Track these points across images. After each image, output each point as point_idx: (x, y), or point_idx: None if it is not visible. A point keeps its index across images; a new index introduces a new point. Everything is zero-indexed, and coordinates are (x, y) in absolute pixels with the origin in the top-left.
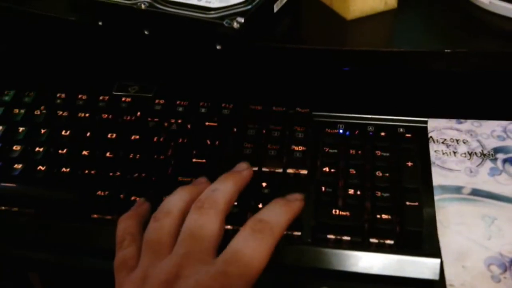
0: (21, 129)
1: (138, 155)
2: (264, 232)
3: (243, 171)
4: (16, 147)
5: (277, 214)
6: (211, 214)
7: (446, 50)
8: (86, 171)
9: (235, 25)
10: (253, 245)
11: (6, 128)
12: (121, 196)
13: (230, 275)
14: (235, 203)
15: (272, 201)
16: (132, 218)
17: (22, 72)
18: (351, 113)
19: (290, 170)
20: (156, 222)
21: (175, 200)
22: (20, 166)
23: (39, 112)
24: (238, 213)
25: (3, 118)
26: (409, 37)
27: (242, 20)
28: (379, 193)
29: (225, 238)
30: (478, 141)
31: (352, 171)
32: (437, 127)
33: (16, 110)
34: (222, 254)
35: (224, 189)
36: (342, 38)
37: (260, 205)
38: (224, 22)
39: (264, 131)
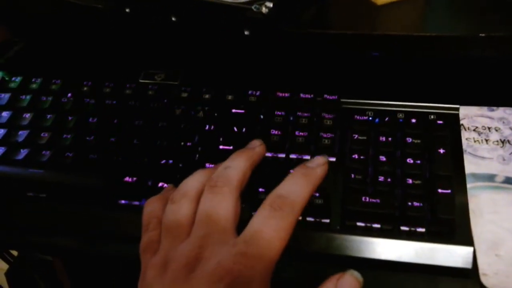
0: (48, 116)
1: (165, 142)
2: (283, 209)
3: (256, 147)
4: (44, 134)
5: (296, 188)
6: (225, 192)
7: (480, 35)
8: (114, 158)
9: (264, 9)
10: (273, 224)
11: (34, 115)
12: (149, 182)
13: (250, 256)
14: (262, 190)
15: (291, 172)
16: (158, 201)
17: (49, 60)
18: (381, 100)
19: None
20: (173, 204)
21: (192, 181)
22: (48, 152)
23: (66, 100)
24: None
25: (31, 105)
26: (442, 22)
27: (271, 5)
28: (410, 181)
29: (248, 220)
30: (511, 128)
31: (382, 158)
32: (468, 114)
33: (44, 98)
34: (242, 234)
35: (236, 166)
36: (372, 23)
37: None
38: (253, 7)
39: (291, 118)
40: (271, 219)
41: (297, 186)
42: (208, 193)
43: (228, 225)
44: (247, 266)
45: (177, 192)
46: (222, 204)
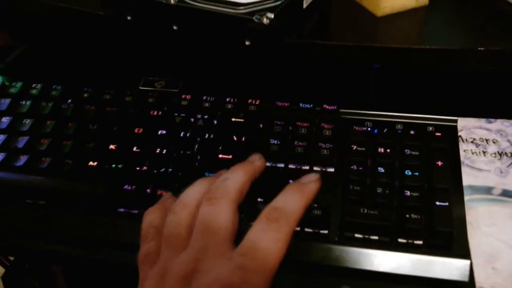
0: (48, 122)
1: (164, 150)
2: (279, 221)
3: (255, 161)
4: (43, 140)
5: (292, 201)
6: (222, 204)
7: (479, 48)
8: (113, 165)
9: (265, 20)
10: (269, 236)
11: (34, 121)
12: (148, 190)
13: (248, 269)
14: (260, 200)
15: (286, 186)
16: (157, 211)
17: (50, 66)
18: (380, 111)
19: (316, 168)
20: (174, 215)
21: (193, 193)
22: (47, 159)
23: (66, 106)
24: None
25: (31, 111)
26: (441, 35)
27: (272, 16)
28: (408, 192)
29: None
30: (508, 141)
31: (381, 169)
32: (466, 126)
33: (44, 104)
34: (239, 247)
35: (234, 178)
36: (372, 35)
37: None
38: (254, 18)
39: (290, 128)
40: (267, 231)
41: (292, 199)
42: (205, 205)
43: (225, 237)
44: (245, 280)
45: (177, 203)
46: (220, 216)
